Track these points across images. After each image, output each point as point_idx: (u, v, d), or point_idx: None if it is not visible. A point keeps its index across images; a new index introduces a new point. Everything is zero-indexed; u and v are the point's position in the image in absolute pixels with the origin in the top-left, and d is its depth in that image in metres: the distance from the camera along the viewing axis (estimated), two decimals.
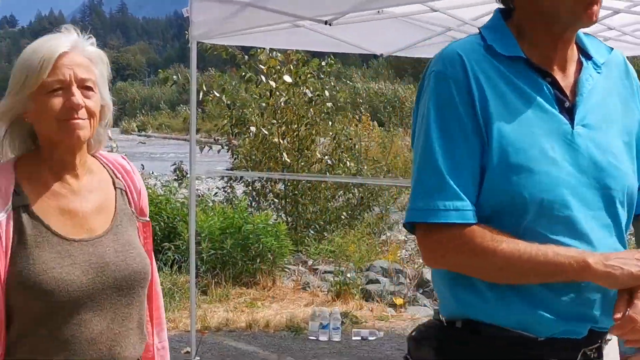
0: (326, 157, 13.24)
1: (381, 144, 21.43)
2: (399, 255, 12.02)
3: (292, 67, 12.81)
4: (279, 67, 12.58)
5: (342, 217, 13.29)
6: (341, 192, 13.55)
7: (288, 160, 12.56)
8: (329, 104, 13.52)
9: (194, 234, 7.20)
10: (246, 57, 12.57)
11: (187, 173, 10.95)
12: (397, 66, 64.22)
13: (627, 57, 2.56)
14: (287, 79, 12.46)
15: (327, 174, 12.92)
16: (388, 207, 14.80)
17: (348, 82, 43.18)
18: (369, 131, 25.91)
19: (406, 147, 31.97)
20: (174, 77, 12.93)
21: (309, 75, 12.99)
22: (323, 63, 13.34)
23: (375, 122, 31.24)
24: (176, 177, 13.15)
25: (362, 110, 25.29)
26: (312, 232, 13.01)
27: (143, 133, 65.47)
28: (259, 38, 7.78)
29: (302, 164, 12.88)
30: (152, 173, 17.93)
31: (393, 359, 7.20)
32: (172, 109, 70.49)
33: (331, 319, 7.89)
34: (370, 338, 7.87)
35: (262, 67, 12.57)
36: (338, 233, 11.96)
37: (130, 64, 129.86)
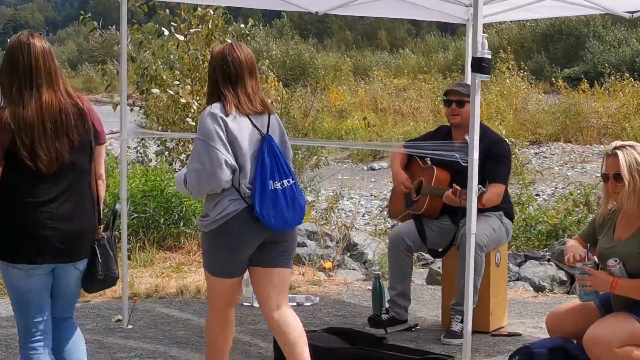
0: None
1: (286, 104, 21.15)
2: (311, 216, 11.81)
3: (209, 26, 12.43)
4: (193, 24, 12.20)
5: None
6: None
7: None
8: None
9: (125, 197, 6.88)
10: (167, 10, 12.16)
11: None
12: (300, 26, 63.82)
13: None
14: (180, 37, 12.03)
15: None
16: (302, 167, 14.61)
17: (252, 41, 42.57)
18: (277, 91, 25.56)
19: (311, 108, 31.84)
20: (94, 22, 12.30)
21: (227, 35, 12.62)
22: (242, 25, 13.01)
23: (281, 83, 30.88)
24: None
25: (266, 69, 24.93)
26: None
27: None
28: None
29: None
30: None
31: (332, 324, 6.99)
32: (72, 68, 68.75)
33: None
34: (306, 304, 7.64)
35: (179, 22, 12.18)
36: None
37: (28, 22, 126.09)
